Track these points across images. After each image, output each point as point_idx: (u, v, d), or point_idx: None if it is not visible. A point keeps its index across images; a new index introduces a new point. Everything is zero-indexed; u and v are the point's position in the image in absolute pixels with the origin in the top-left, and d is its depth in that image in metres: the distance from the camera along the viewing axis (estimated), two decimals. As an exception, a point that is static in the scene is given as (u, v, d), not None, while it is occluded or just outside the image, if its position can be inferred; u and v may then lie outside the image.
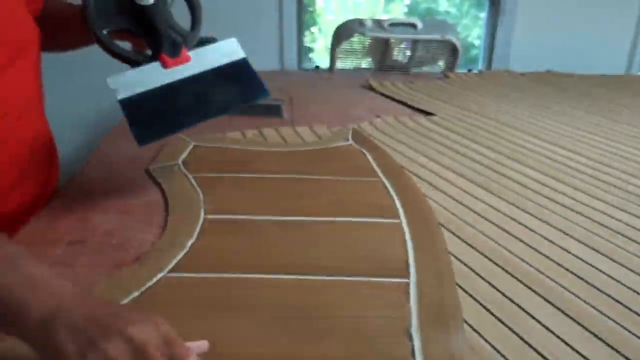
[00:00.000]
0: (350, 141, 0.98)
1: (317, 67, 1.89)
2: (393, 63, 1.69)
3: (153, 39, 0.66)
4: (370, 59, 1.72)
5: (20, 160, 0.67)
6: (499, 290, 0.55)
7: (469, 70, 1.75)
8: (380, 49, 1.66)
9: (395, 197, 0.75)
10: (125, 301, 0.50)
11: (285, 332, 0.47)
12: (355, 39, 1.62)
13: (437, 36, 1.58)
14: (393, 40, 1.63)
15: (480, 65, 2.04)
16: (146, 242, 0.62)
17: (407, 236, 0.65)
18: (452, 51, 1.66)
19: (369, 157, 0.90)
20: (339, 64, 1.67)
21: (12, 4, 0.62)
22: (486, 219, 0.71)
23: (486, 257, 0.62)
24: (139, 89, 0.65)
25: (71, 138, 1.69)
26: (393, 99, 1.34)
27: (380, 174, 0.83)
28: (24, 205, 0.69)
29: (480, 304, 0.53)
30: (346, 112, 1.20)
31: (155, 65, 0.66)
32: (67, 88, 1.83)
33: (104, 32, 0.65)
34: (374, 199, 0.75)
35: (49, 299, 0.36)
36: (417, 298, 0.53)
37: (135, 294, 0.51)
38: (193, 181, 0.77)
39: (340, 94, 1.39)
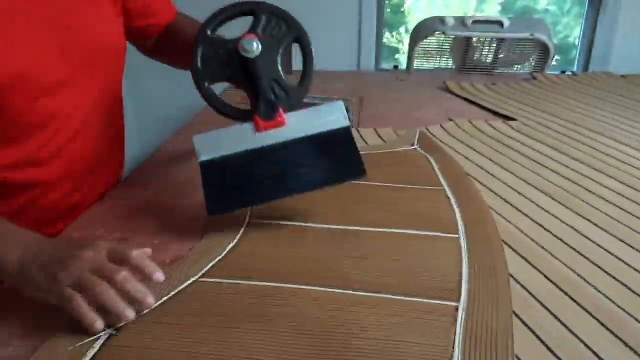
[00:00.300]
0: (416, 145, 0.92)
1: (395, 67, 1.82)
2: (475, 63, 1.59)
3: (254, 93, 0.62)
4: (451, 59, 1.63)
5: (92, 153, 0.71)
6: (563, 324, 0.48)
7: (562, 72, 1.61)
8: (462, 48, 1.57)
9: (456, 209, 0.68)
10: (154, 305, 0.49)
11: (308, 349, 0.44)
12: (435, 37, 1.54)
13: (525, 34, 1.46)
14: (476, 39, 1.53)
15: (575, 67, 1.88)
16: (188, 244, 0.61)
17: (464, 254, 0.58)
18: (543, 51, 1.53)
19: (434, 163, 0.84)
20: (417, 64, 1.60)
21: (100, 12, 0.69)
22: (560, 240, 0.63)
23: (553, 283, 0.54)
24: (224, 152, 0.61)
25: (148, 136, 1.77)
26: (471, 102, 1.25)
27: (443, 183, 0.77)
28: (87, 198, 0.71)
29: (539, 339, 0.46)
30: (417, 115, 1.13)
31: (247, 127, 0.62)
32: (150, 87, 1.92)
33: (208, 85, 0.63)
34: (432, 209, 0.69)
35: (17, 248, 0.47)
36: (464, 325, 0.47)
37: (164, 298, 0.50)
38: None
39: (413, 95, 1.32)
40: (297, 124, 0.61)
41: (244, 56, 0.61)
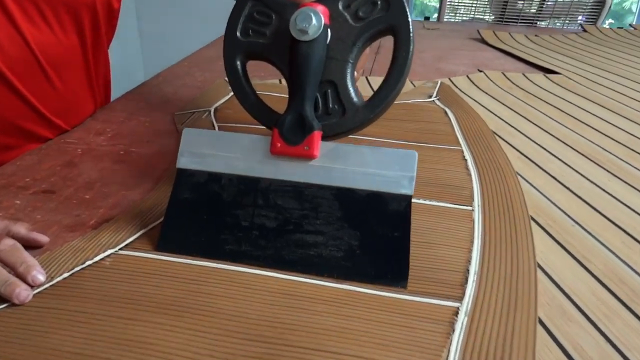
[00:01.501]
0: (434, 97, 0.76)
1: (426, 18, 1.64)
2: (517, 14, 1.39)
3: (293, 94, 0.43)
4: (488, 9, 1.43)
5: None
6: (603, 335, 0.33)
7: (619, 28, 1.39)
8: (502, -4, 1.37)
9: (474, 175, 0.54)
10: (53, 282, 0.37)
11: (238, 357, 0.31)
12: (471, -19, 1.35)
13: (577, -21, 1.26)
14: (519, -16, 1.34)
15: (636, 21, 1.65)
16: (126, 202, 0.48)
17: (477, 232, 0.44)
18: (598, 1, 1.32)
19: (453, 118, 0.69)
20: (450, 16, 1.41)
21: None
22: (605, 217, 0.47)
23: (593, 276, 0.39)
24: (212, 166, 0.41)
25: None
26: (507, 54, 1.07)
27: (462, 142, 0.61)
28: None
29: (567, 354, 0.32)
30: (441, 65, 0.97)
31: (261, 141, 0.41)
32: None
33: (241, 64, 0.45)
34: (444, 175, 0.54)
35: None
36: (465, 332, 0.33)
37: (65, 274, 0.38)
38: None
39: (440, 44, 1.15)
40: (332, 163, 0.40)
41: (296, 38, 0.41)
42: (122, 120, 0.67)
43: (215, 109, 0.69)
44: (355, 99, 0.43)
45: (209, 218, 0.40)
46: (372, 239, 0.38)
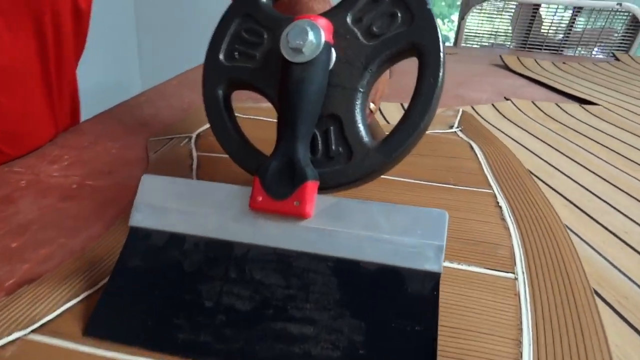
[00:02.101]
0: (456, 128, 0.65)
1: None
2: (541, 40, 1.29)
3: (281, 131, 0.31)
4: (509, 36, 1.34)
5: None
6: None
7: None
8: (526, 20, 1.28)
9: (512, 229, 0.42)
10: None
11: None
12: (490, 3, 1.25)
13: (611, 2, 1.16)
14: (545, 7, 1.24)
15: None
16: (62, 253, 0.37)
17: (526, 314, 0.32)
18: (632, 26, 1.22)
19: (480, 153, 0.57)
20: (468, 42, 1.32)
21: None
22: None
23: None
24: (177, 226, 0.30)
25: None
26: (534, 82, 0.97)
27: (493, 184, 0.50)
28: None
29: None
30: (461, 92, 0.86)
31: (241, 192, 0.30)
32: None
33: (223, 93, 0.35)
34: (475, 227, 0.43)
35: None
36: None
37: (-57, 367, 0.26)
38: (195, 165, 0.51)
39: (460, 70, 1.05)
40: (331, 225, 0.29)
41: (284, 56, 0.31)
42: (86, 145, 0.56)
43: (198, 135, 0.59)
44: (365, 139, 0.32)
45: (162, 294, 0.29)
46: (383, 333, 0.27)
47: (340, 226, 0.28)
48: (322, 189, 0.30)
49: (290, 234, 0.29)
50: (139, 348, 0.28)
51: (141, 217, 0.31)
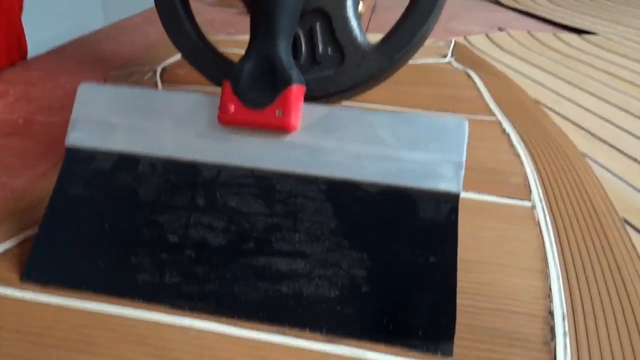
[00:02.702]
0: (450, 58, 0.60)
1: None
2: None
3: (255, 31, 0.26)
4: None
5: None
6: None
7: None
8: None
9: (524, 156, 0.37)
10: None
11: None
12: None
13: None
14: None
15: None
16: (2, 194, 0.31)
17: (550, 243, 0.28)
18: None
19: (478, 82, 0.52)
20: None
21: None
22: None
23: None
24: (126, 145, 0.24)
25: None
26: (529, 15, 0.91)
27: (496, 110, 0.45)
28: None
29: None
30: (453, 25, 0.80)
31: (206, 102, 0.25)
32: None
33: None
34: (482, 154, 0.38)
35: None
36: None
37: None
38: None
39: (449, 3, 0.98)
40: (323, 138, 0.23)
41: None
42: (35, 82, 0.49)
43: (163, 69, 0.52)
44: (360, 39, 0.27)
45: (113, 228, 0.24)
46: (390, 267, 0.22)
47: (333, 140, 0.23)
48: (306, 100, 0.24)
49: (271, 151, 0.23)
50: (90, 293, 0.22)
51: (80, 136, 0.25)
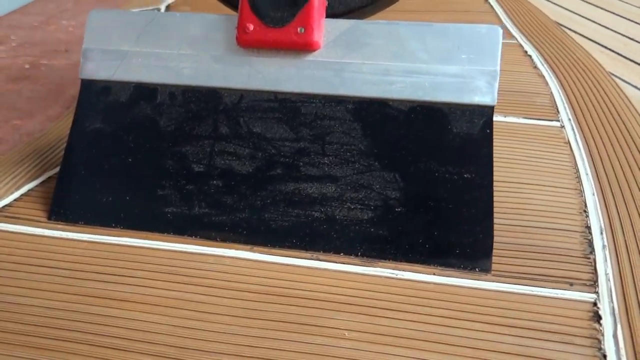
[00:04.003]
0: (465, -17, 0.57)
1: None
2: None
3: None
4: None
5: None
6: None
7: None
8: None
9: (549, 77, 0.36)
10: None
11: None
12: None
13: None
14: None
15: None
16: (17, 137, 0.31)
17: (583, 161, 0.27)
18: None
19: (495, 5, 0.50)
20: None
21: None
22: None
23: None
24: (143, 74, 0.23)
25: None
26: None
27: (516, 34, 0.43)
28: None
29: None
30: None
31: (223, 22, 0.23)
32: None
33: None
34: (505, 76, 0.36)
35: None
36: (625, 344, 0.17)
37: None
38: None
39: None
40: (348, 56, 0.22)
41: None
42: (37, 25, 0.48)
43: (168, 6, 0.50)
44: None
45: (136, 161, 0.23)
46: (424, 186, 0.21)
47: (359, 57, 0.22)
48: (331, 15, 0.23)
49: (294, 72, 0.22)
50: (120, 229, 0.22)
51: (94, 67, 0.24)
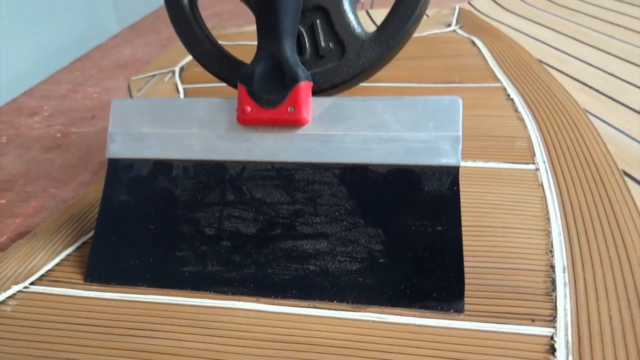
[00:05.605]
0: (455, 26, 0.61)
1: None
2: None
3: (263, 33, 0.27)
4: None
5: None
6: None
7: None
8: None
9: (528, 120, 0.39)
10: None
11: None
12: None
13: None
14: None
15: None
16: (54, 204, 0.35)
17: (552, 203, 0.30)
18: None
19: (483, 48, 0.54)
20: None
21: None
22: None
23: None
24: (159, 152, 0.28)
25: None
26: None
27: (501, 77, 0.47)
28: None
29: None
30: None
31: (225, 105, 0.27)
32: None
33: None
34: (488, 123, 0.40)
35: None
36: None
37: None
38: (183, 97, 0.48)
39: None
40: (332, 128, 0.26)
41: None
42: (65, 93, 0.53)
43: (181, 69, 0.55)
44: (358, 30, 0.29)
45: (158, 228, 0.27)
46: (403, 239, 0.24)
47: (342, 129, 0.26)
48: (316, 92, 0.27)
49: (287, 144, 0.26)
50: (145, 287, 0.26)
51: (118, 147, 0.28)
